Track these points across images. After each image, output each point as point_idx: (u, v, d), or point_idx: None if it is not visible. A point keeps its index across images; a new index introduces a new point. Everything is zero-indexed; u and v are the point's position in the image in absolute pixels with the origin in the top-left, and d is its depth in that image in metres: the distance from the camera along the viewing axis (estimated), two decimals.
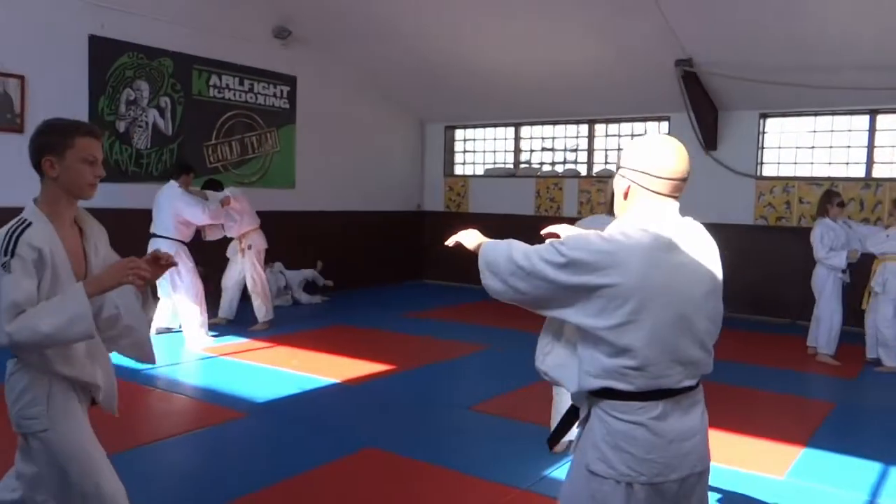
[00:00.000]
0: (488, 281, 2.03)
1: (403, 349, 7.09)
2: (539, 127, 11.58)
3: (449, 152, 12.41)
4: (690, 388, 1.91)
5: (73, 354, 2.31)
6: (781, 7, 7.43)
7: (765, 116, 9.59)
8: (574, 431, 2.10)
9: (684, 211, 2.01)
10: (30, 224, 2.22)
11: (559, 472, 3.98)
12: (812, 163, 9.43)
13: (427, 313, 9.33)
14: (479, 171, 12.16)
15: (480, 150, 12.20)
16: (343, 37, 9.79)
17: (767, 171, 9.64)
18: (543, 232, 2.18)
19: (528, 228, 12.08)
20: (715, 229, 2.19)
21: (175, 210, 6.76)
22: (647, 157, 1.94)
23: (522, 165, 11.74)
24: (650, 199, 1.94)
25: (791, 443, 4.53)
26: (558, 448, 4.11)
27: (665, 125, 10.30)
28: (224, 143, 9.17)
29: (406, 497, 3.68)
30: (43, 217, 2.26)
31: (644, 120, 10.55)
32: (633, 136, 10.69)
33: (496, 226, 11.19)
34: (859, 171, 9.07)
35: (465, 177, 12.25)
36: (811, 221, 7.73)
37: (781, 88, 8.47)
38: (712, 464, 2.03)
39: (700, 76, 8.99)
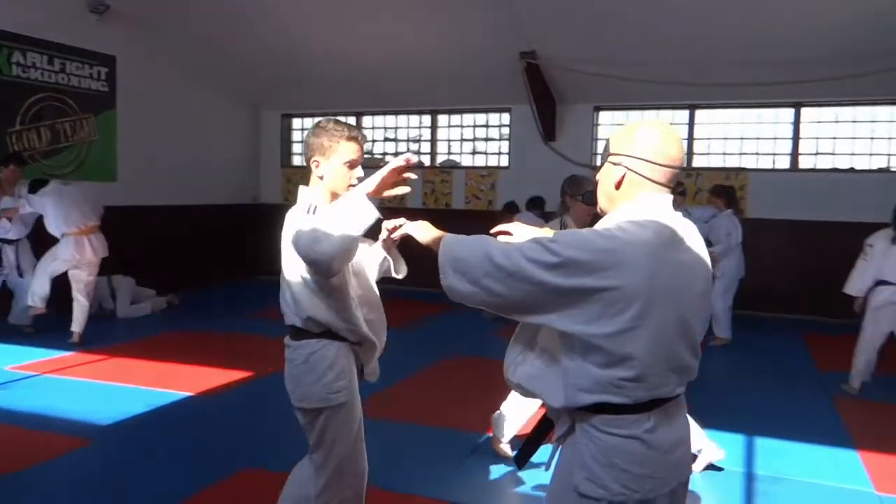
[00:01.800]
0: (452, 281, 1.77)
1: (258, 352, 6.58)
2: (381, 117, 11.36)
3: (286, 142, 11.85)
4: (679, 395, 1.79)
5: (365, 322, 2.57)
6: (618, 4, 7.79)
7: (598, 109, 10.05)
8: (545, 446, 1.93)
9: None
10: None
11: (468, 474, 3.83)
12: None
13: (274, 312, 8.79)
14: None
15: None
16: (169, 14, 8.93)
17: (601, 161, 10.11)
18: (494, 230, 1.97)
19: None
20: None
21: None
22: (645, 143, 1.75)
23: (364, 156, 11.43)
24: (649, 189, 1.76)
25: None
26: (502, 449, 3.97)
27: (507, 116, 10.50)
28: (31, 130, 8.03)
29: None
30: None
31: (486, 111, 10.67)
32: (475, 126, 10.81)
33: None
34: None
35: (303, 168, 11.71)
36: None
37: (613, 82, 8.89)
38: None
39: (542, 69, 9.22)
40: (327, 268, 2.23)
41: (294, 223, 2.38)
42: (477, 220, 8.74)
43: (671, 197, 1.80)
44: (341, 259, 2.24)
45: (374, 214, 2.20)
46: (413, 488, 3.67)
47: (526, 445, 1.94)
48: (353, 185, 2.46)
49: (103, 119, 8.87)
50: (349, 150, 2.46)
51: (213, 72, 10.43)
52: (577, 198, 3.88)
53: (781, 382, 6.00)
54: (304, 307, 2.46)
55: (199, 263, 10.42)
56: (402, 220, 2.27)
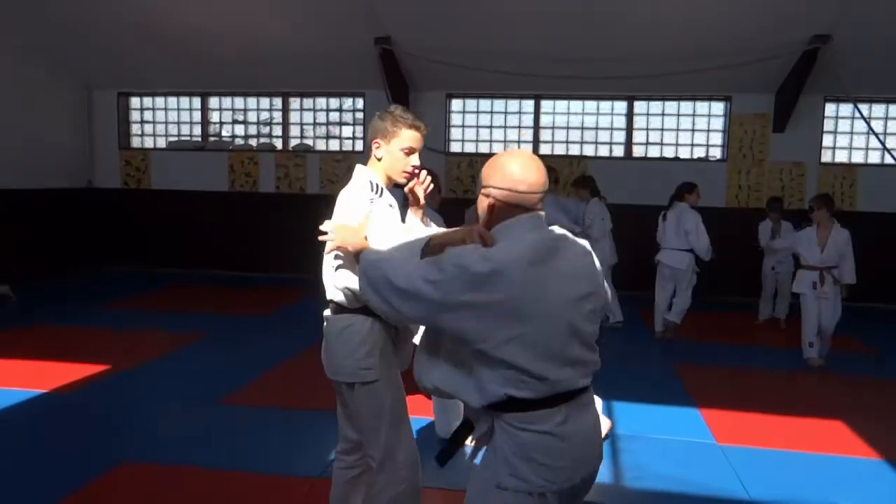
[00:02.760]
0: (371, 298, 1.98)
1: (111, 346, 6.23)
2: (229, 98, 10.94)
3: (123, 122, 11.07)
4: (586, 388, 1.96)
5: None
6: None
7: (450, 96, 10.34)
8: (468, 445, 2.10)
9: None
10: None
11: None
12: (490, 140, 10.45)
13: (119, 304, 8.30)
14: (162, 143, 11.09)
15: (162, 120, 11.11)
16: None
17: (454, 147, 10.44)
18: (336, 245, 2.30)
19: (221, 204, 11.42)
20: None
21: None
22: (506, 174, 1.95)
23: (212, 138, 11.00)
24: (517, 212, 1.95)
25: None
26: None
27: (360, 101, 10.51)
28: None
29: None
30: None
31: (339, 95, 10.62)
32: (328, 110, 10.73)
33: (185, 202, 10.60)
34: (528, 149, 10.31)
35: (144, 150, 11.06)
36: None
37: (464, 71, 9.19)
38: None
39: (396, 55, 9.33)
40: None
41: (354, 205, 2.51)
42: (332, 205, 8.76)
43: (541, 214, 2.00)
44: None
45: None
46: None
47: (448, 445, 2.04)
48: (408, 172, 2.60)
49: None
50: (410, 137, 2.57)
51: (32, 44, 9.52)
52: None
53: (628, 351, 6.60)
54: (342, 278, 2.47)
55: (32, 253, 9.56)
56: (327, 226, 2.36)
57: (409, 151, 2.59)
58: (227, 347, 6.36)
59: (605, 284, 2.09)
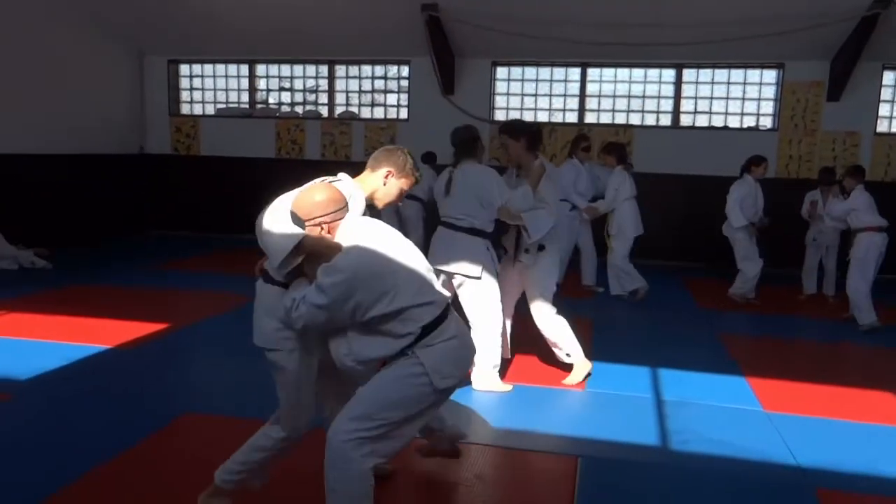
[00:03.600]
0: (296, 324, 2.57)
1: (167, 305, 6.48)
2: (276, 66, 11.06)
3: (174, 89, 11.29)
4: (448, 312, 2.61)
5: None
6: None
7: (496, 64, 10.29)
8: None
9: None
10: None
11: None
12: (535, 109, 10.39)
13: (171, 265, 8.56)
14: (210, 110, 11.29)
15: (210, 87, 11.29)
16: None
17: (499, 115, 10.40)
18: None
19: (268, 171, 11.57)
20: None
21: None
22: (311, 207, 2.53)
23: (259, 105, 11.15)
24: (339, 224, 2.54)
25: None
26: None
27: (406, 69, 10.52)
28: None
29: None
30: None
31: (385, 63, 10.64)
32: (373, 78, 10.77)
33: (233, 168, 10.80)
34: (573, 118, 10.24)
35: (194, 116, 11.28)
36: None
37: (510, 38, 9.14)
38: None
39: (443, 22, 9.31)
40: None
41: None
42: None
43: (352, 214, 2.64)
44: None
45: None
46: None
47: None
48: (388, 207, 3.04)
49: None
50: (410, 185, 2.97)
51: (87, 10, 9.73)
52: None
53: (673, 321, 6.61)
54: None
55: (87, 216, 9.88)
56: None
57: (403, 194, 2.98)
58: None
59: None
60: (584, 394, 4.53)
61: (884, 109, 9.38)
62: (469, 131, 4.42)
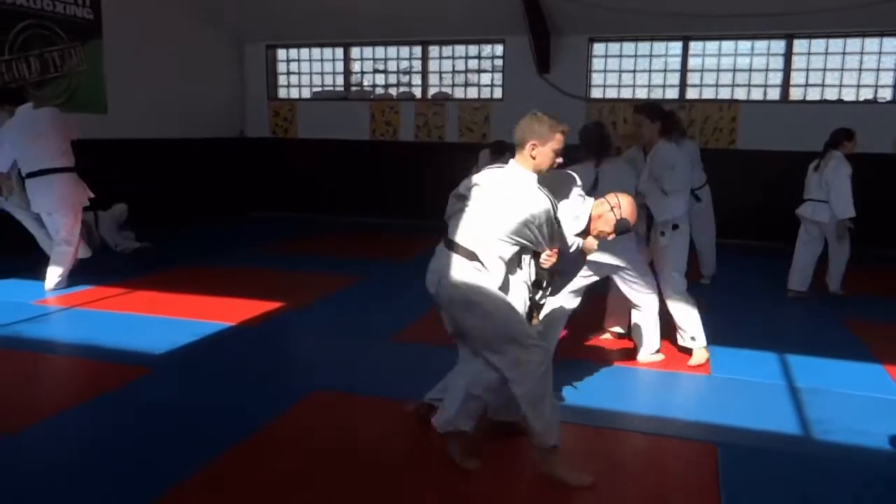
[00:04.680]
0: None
1: (280, 285, 6.63)
2: (370, 48, 11.14)
3: (272, 74, 11.55)
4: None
5: None
6: None
7: (592, 41, 10.04)
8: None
9: None
10: None
11: None
12: (633, 85, 10.11)
13: (277, 247, 8.80)
14: (307, 94, 11.49)
15: (307, 71, 11.49)
16: None
17: (595, 93, 10.17)
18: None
19: (364, 153, 11.71)
20: None
21: None
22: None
23: (354, 88, 11.28)
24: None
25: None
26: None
27: (500, 48, 10.41)
28: (20, 59, 7.68)
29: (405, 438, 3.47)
30: None
31: (479, 42, 10.56)
32: (466, 58, 10.71)
33: (330, 150, 10.96)
34: (673, 94, 9.91)
35: (291, 100, 11.51)
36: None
37: (607, 13, 8.89)
38: None
39: None
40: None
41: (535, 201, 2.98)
42: (470, 153, 8.79)
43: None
44: None
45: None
46: None
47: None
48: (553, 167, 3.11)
49: (91, 48, 8.51)
50: (560, 141, 3.02)
51: (197, 2, 10.04)
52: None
53: (794, 306, 6.34)
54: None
55: (191, 198, 10.26)
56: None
57: (558, 153, 3.04)
58: (382, 290, 6.62)
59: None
60: (711, 379, 4.40)
61: None
62: (600, 128, 4.37)
